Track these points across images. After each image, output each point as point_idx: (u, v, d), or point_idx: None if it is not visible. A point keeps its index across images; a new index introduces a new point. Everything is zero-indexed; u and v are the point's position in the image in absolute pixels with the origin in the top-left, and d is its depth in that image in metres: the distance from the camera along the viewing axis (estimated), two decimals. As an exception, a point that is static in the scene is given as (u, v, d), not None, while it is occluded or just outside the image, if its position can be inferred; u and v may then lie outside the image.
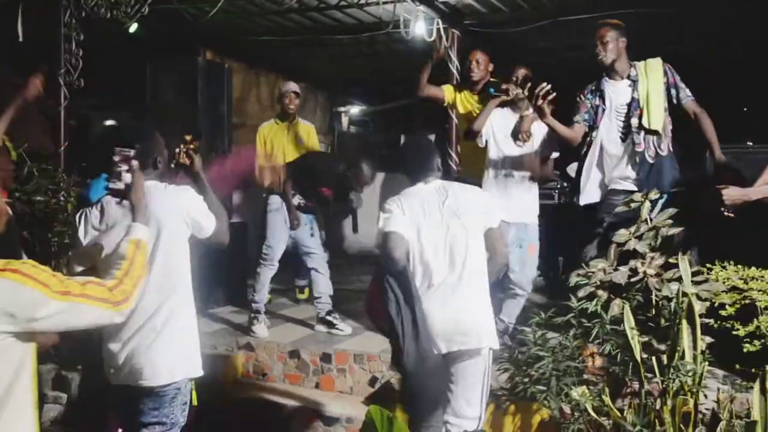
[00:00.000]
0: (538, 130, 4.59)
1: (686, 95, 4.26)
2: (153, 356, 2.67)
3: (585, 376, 3.71)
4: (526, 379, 3.78)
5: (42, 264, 1.94)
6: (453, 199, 3.18)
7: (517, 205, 4.55)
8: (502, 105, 4.62)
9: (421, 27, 5.86)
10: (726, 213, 3.48)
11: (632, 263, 3.68)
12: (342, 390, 4.64)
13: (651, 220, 3.77)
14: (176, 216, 2.73)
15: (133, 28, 5.51)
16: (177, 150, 2.98)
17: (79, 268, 2.70)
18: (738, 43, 7.00)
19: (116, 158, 2.49)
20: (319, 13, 6.63)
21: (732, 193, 3.45)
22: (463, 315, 3.10)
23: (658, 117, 4.19)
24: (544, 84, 4.05)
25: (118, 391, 2.75)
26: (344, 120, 11.31)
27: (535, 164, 4.65)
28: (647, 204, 3.82)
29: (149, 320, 2.67)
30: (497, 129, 4.64)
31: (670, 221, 3.72)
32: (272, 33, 7.23)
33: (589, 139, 4.41)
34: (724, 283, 3.55)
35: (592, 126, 4.39)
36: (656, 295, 3.59)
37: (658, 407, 3.35)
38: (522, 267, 4.62)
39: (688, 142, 6.32)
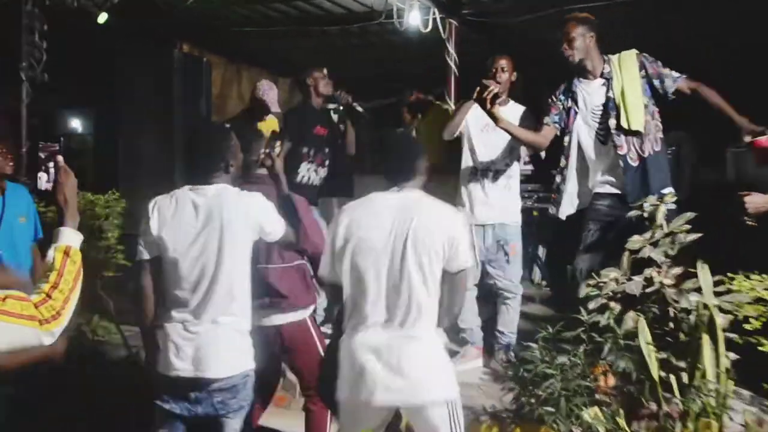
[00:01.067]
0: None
1: (674, 79, 4.19)
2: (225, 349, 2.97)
3: (597, 397, 3.65)
4: (533, 400, 3.74)
5: None
6: (418, 226, 2.87)
7: (496, 204, 4.67)
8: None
9: (415, 17, 5.82)
10: (749, 222, 3.44)
11: (647, 272, 3.65)
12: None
13: (666, 225, 3.74)
14: (243, 221, 2.99)
15: (103, 18, 5.45)
16: (261, 151, 3.46)
17: None
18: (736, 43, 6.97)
19: (42, 155, 2.44)
20: (306, 2, 6.58)
21: (756, 200, 3.41)
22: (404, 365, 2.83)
23: (637, 116, 4.15)
24: (492, 87, 4.10)
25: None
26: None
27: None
28: (662, 208, 3.78)
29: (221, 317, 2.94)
30: (471, 123, 4.71)
31: (688, 226, 3.69)
32: (255, 24, 7.18)
33: (564, 145, 4.42)
34: (748, 293, 3.51)
35: (564, 130, 4.38)
36: (674, 308, 3.55)
37: (678, 431, 3.30)
38: (504, 270, 4.73)
39: (705, 140, 6.32)
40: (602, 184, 4.35)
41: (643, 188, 4.11)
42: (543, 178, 6.63)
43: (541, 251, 7.02)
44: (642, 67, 4.20)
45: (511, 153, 4.71)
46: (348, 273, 2.93)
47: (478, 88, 4.20)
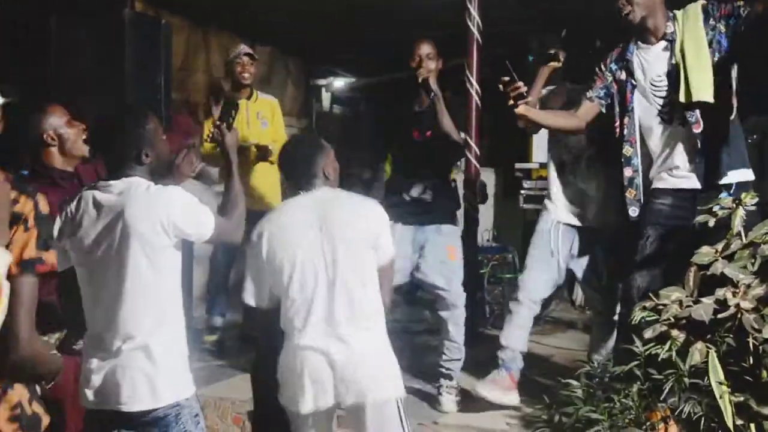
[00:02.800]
0: None
1: (743, 12, 4.00)
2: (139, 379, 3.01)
3: (656, 448, 3.64)
4: (574, 453, 3.73)
5: None
6: (339, 222, 3.46)
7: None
8: None
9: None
10: None
11: (720, 293, 3.61)
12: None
13: (745, 234, 3.70)
14: (150, 223, 3.00)
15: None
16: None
17: None
18: None
19: None
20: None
21: None
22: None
23: (703, 83, 4.07)
24: (518, 84, 4.16)
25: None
26: (325, 96, 11.29)
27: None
28: (740, 211, 3.75)
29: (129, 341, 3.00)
30: None
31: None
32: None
33: (626, 129, 4.40)
34: None
35: (622, 108, 4.38)
36: (754, 338, 3.51)
37: (757, 493, 3.28)
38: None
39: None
40: (665, 175, 4.32)
41: (717, 176, 4.12)
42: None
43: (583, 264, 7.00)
44: (707, 17, 4.11)
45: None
46: (282, 286, 3.42)
47: (504, 81, 4.22)
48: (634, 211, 4.42)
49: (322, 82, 11.16)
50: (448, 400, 4.87)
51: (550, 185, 5.00)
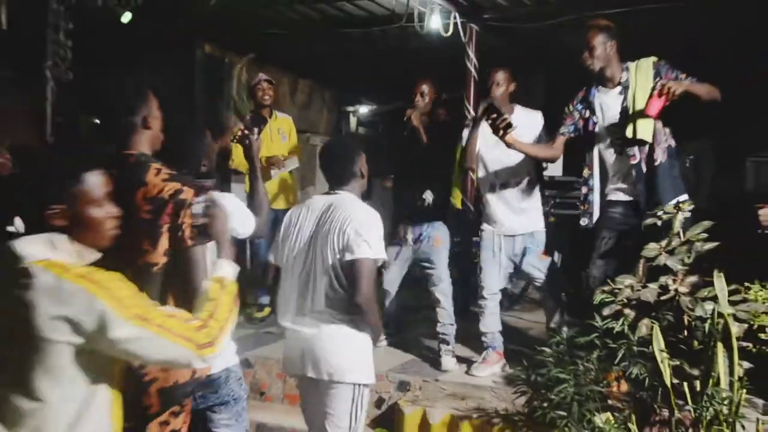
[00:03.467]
0: (528, 132, 4.61)
1: (685, 80, 4.07)
2: None
3: (609, 402, 3.67)
4: (545, 404, 3.74)
5: None
6: (331, 222, 3.18)
7: (521, 214, 4.73)
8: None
9: (436, 21, 5.86)
10: (764, 232, 3.44)
11: (662, 280, 3.65)
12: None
13: (683, 233, 3.74)
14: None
15: (126, 17, 5.52)
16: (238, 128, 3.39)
17: None
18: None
19: (197, 197, 2.42)
20: (328, 4, 6.63)
21: None
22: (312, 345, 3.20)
23: (645, 125, 4.09)
24: (505, 117, 4.17)
25: None
26: (352, 120, 11.31)
27: (531, 167, 4.72)
28: (680, 216, 3.78)
29: None
30: (482, 141, 4.68)
31: (705, 235, 3.69)
32: (277, 25, 7.23)
33: (586, 155, 4.43)
34: (764, 303, 3.51)
35: (585, 140, 4.39)
36: (689, 316, 3.55)
37: (690, 438, 3.31)
38: (541, 273, 4.81)
39: (726, 149, 6.31)
40: (616, 191, 4.35)
41: (655, 197, 4.11)
42: (560, 183, 6.64)
43: (557, 257, 7.02)
44: (657, 74, 4.13)
45: (527, 163, 4.68)
46: (282, 263, 3.32)
47: (483, 107, 4.29)
48: (584, 221, 4.44)
49: (350, 108, 11.13)
50: (448, 361, 4.87)
51: (485, 208, 4.88)
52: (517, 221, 4.76)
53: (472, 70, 6.21)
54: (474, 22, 6.25)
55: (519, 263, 4.83)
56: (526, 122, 4.61)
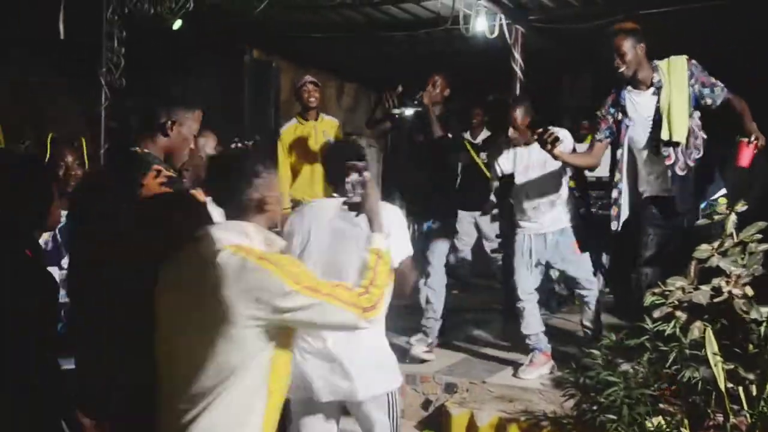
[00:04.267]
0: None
1: (722, 89, 4.11)
2: None
3: (661, 406, 3.59)
4: (595, 407, 3.69)
5: None
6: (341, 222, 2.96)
7: (547, 219, 4.74)
8: None
9: (482, 23, 5.81)
10: None
11: (715, 282, 3.55)
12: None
13: (736, 234, 3.64)
14: None
15: (177, 25, 5.58)
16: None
17: None
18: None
19: (350, 172, 2.53)
20: (373, 8, 6.63)
21: None
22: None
23: (680, 127, 4.08)
24: (551, 132, 4.14)
25: None
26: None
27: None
28: (732, 217, 3.68)
29: None
30: (517, 166, 4.76)
31: (759, 236, 3.58)
32: (323, 30, 7.26)
33: (617, 159, 4.37)
34: (821, 305, 3.39)
35: (616, 143, 4.35)
36: (743, 318, 3.45)
37: (745, 443, 3.22)
38: (575, 265, 4.79)
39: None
40: (655, 189, 4.32)
41: (692, 197, 4.17)
42: (606, 184, 6.52)
43: (605, 259, 6.91)
44: (691, 75, 4.11)
45: (555, 180, 4.70)
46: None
47: (538, 132, 4.22)
48: (614, 225, 4.38)
49: (395, 111, 11.14)
50: (417, 349, 4.95)
51: (515, 208, 4.89)
52: (546, 219, 4.74)
53: (518, 71, 6.14)
54: (520, 23, 6.17)
55: (552, 260, 4.81)
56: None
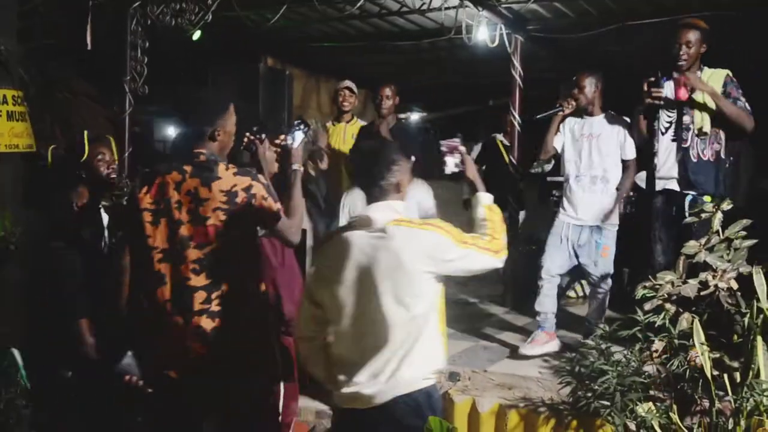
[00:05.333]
0: (609, 130, 4.75)
1: (742, 106, 4.25)
2: None
3: (651, 393, 3.63)
4: (589, 394, 3.73)
5: None
6: None
7: (592, 207, 4.79)
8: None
9: (483, 33, 5.85)
10: None
11: (702, 276, 3.59)
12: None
13: (722, 231, 3.68)
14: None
15: (197, 35, 5.65)
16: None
17: None
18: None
19: (445, 149, 2.87)
20: (381, 19, 6.67)
21: None
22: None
23: (705, 120, 4.26)
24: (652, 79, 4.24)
25: None
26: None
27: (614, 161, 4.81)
28: (719, 215, 3.72)
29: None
30: (568, 134, 4.91)
31: (744, 233, 3.62)
32: (333, 40, 7.32)
33: (655, 149, 4.45)
34: (802, 298, 3.43)
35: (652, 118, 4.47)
36: (728, 310, 3.49)
37: (730, 427, 3.27)
38: (596, 267, 4.81)
39: (764, 151, 6.15)
40: (664, 181, 4.42)
41: (696, 183, 4.29)
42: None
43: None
44: (725, 85, 4.26)
45: (605, 159, 4.78)
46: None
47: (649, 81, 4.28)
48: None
49: (402, 115, 11.16)
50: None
51: (562, 196, 5.00)
52: (589, 212, 4.79)
53: (517, 78, 6.18)
54: (519, 33, 6.22)
55: (580, 256, 4.84)
56: (613, 126, 4.78)
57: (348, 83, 5.85)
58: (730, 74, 4.31)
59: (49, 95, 6.39)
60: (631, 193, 6.35)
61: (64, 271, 3.03)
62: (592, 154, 4.80)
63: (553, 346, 4.79)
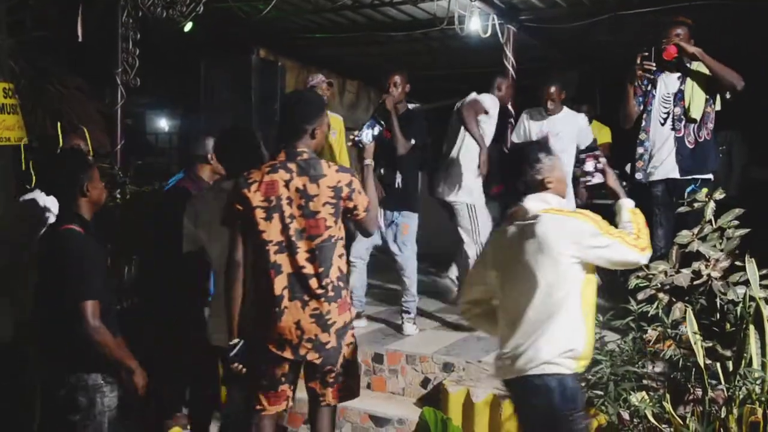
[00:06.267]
0: (569, 127, 4.96)
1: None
2: None
3: (645, 382, 3.63)
4: (583, 384, 3.71)
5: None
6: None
7: None
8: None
9: (476, 23, 5.82)
10: None
11: (695, 265, 3.59)
12: (394, 391, 4.65)
13: (715, 221, 3.68)
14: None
15: (188, 27, 5.60)
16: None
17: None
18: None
19: (589, 161, 3.10)
20: (373, 10, 6.63)
21: None
22: None
23: (698, 107, 4.43)
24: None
25: None
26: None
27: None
28: (711, 204, 3.72)
29: None
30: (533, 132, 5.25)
31: (736, 222, 3.62)
32: (326, 31, 7.27)
33: (643, 122, 4.61)
34: (794, 286, 3.43)
35: (644, 109, 4.60)
36: (721, 299, 3.49)
37: (723, 416, 3.27)
38: None
39: (756, 140, 6.17)
40: (658, 170, 4.52)
41: (698, 166, 4.44)
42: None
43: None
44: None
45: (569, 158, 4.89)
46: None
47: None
48: (639, 175, 4.59)
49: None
50: (408, 327, 5.08)
51: None
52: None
53: (510, 68, 6.16)
54: (511, 23, 6.19)
55: None
56: (570, 121, 5.03)
57: (323, 77, 5.76)
58: None
59: (41, 88, 6.35)
60: (623, 183, 6.38)
61: (74, 252, 2.97)
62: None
63: None
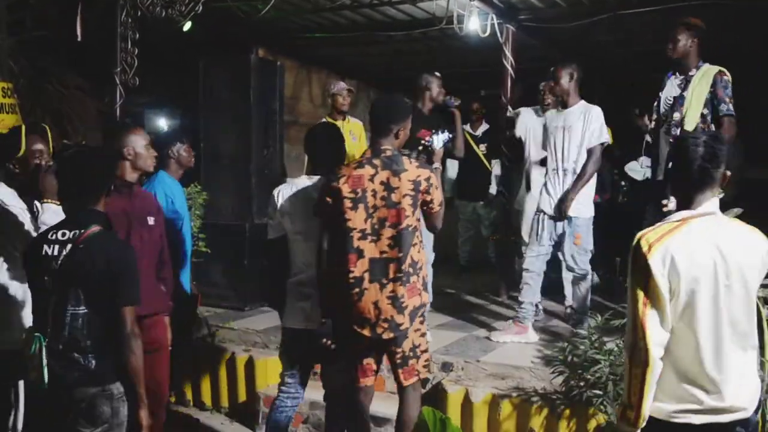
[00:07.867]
0: (580, 122, 4.75)
1: (724, 110, 4.35)
2: None
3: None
4: (582, 383, 3.73)
5: None
6: None
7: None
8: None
9: (474, 23, 5.81)
10: None
11: (694, 265, 3.56)
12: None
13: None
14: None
15: (187, 26, 5.59)
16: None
17: None
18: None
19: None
20: (372, 9, 6.63)
21: None
22: None
23: (692, 119, 4.38)
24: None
25: None
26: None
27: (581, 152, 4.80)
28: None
29: None
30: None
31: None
32: (324, 30, 7.27)
33: (654, 124, 4.68)
34: (793, 287, 3.41)
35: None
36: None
37: (721, 416, 3.24)
38: (573, 255, 4.79)
39: (752, 142, 6.17)
40: (657, 170, 4.53)
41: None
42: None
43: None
44: (714, 83, 4.35)
45: (580, 152, 4.74)
46: None
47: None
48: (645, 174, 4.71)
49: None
50: None
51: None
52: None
53: (509, 68, 6.15)
54: (510, 23, 6.18)
55: (559, 245, 4.83)
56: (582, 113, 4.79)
57: (345, 85, 5.89)
58: (723, 71, 4.37)
59: (40, 87, 6.33)
60: (623, 183, 6.37)
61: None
62: (566, 147, 4.78)
63: (524, 338, 4.81)
